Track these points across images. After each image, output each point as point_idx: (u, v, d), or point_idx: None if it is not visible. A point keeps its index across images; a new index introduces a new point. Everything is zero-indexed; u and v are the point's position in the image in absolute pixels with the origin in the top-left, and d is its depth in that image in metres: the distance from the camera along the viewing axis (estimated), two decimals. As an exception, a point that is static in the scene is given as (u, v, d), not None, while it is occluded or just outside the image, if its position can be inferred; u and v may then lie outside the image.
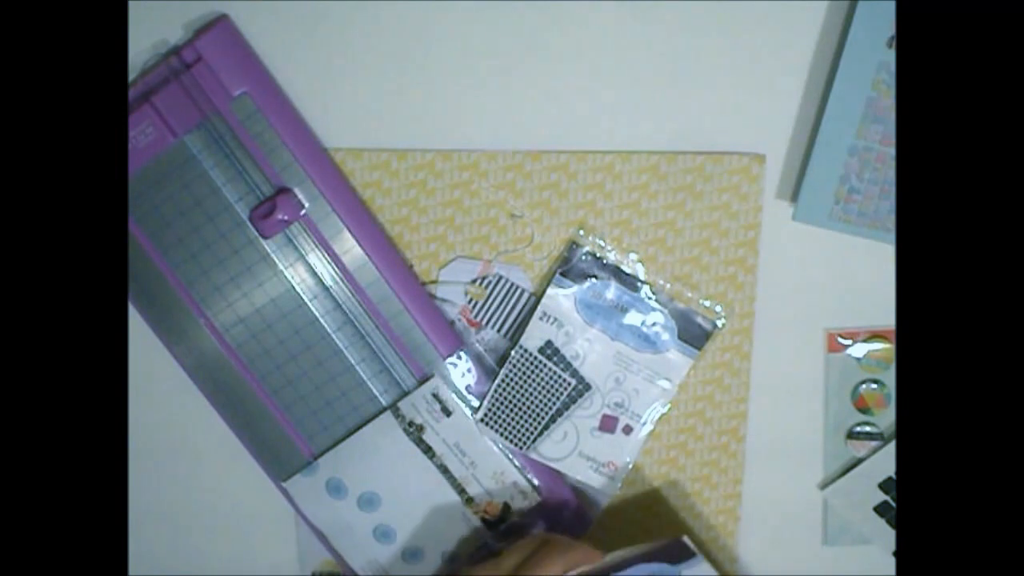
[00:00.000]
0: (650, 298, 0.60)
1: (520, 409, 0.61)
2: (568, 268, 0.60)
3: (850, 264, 0.61)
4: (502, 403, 0.61)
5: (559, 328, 0.60)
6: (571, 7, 0.57)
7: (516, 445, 0.61)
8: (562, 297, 0.60)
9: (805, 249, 0.60)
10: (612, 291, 0.60)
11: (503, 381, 0.60)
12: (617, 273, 0.60)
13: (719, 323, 0.60)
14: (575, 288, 0.60)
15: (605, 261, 0.60)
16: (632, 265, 0.60)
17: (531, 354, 0.60)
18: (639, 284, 0.60)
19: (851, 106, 0.57)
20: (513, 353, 0.60)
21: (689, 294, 0.60)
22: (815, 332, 0.62)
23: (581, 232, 0.60)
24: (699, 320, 0.60)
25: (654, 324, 0.60)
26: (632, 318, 0.60)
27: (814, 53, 0.58)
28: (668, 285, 0.60)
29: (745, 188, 0.59)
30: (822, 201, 0.58)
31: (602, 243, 0.60)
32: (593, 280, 0.60)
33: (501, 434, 0.61)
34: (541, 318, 0.60)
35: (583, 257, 0.60)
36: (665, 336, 0.60)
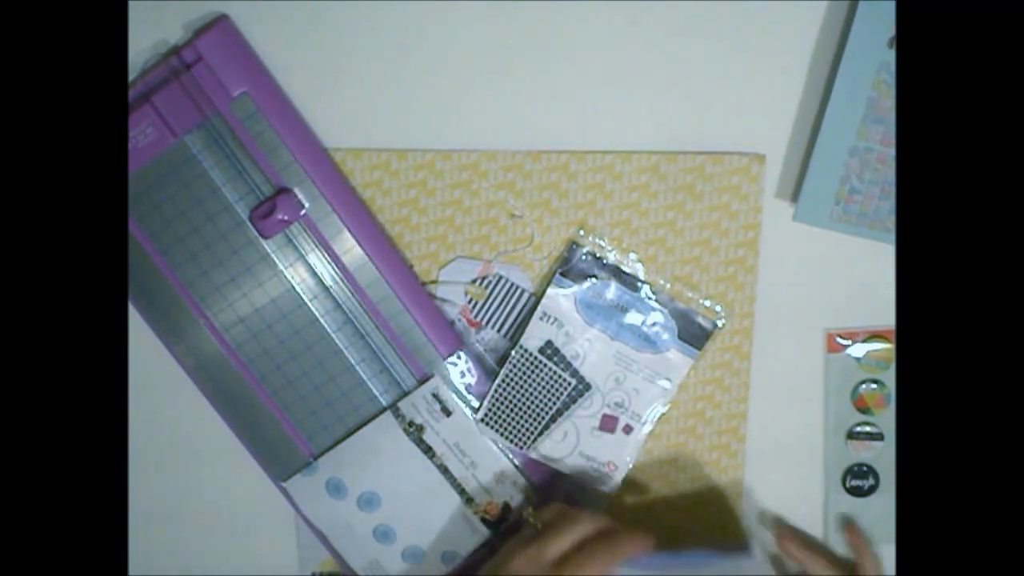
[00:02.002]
0: (650, 298, 0.60)
1: (520, 409, 0.61)
2: (568, 268, 0.60)
3: (850, 264, 0.61)
4: (502, 403, 0.60)
5: (559, 328, 0.60)
6: (571, 7, 0.57)
7: (516, 445, 0.61)
8: (562, 297, 0.60)
9: (805, 249, 0.60)
10: (612, 291, 0.60)
11: (503, 381, 0.60)
12: (617, 273, 0.60)
13: (719, 323, 0.60)
14: (575, 288, 0.60)
15: (605, 261, 0.60)
16: (632, 265, 0.60)
17: (531, 354, 0.60)
18: (639, 284, 0.60)
19: (851, 106, 0.57)
20: (513, 353, 0.60)
21: (689, 294, 0.60)
22: (815, 332, 0.62)
23: (581, 232, 0.60)
24: (699, 320, 0.60)
25: (654, 324, 0.60)
26: (632, 318, 0.60)
27: (814, 53, 0.58)
28: (668, 285, 0.60)
29: (745, 188, 0.59)
30: (822, 201, 0.58)
31: (602, 243, 0.60)
32: (593, 280, 0.60)
33: (501, 434, 0.61)
34: (541, 318, 0.60)
35: (583, 257, 0.60)
36: (665, 336, 0.60)
